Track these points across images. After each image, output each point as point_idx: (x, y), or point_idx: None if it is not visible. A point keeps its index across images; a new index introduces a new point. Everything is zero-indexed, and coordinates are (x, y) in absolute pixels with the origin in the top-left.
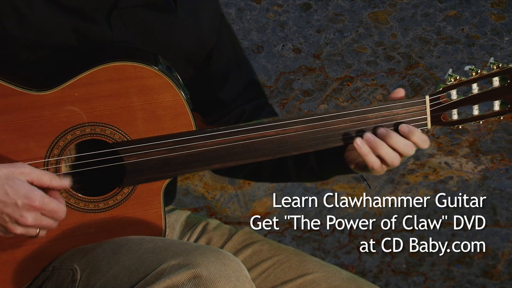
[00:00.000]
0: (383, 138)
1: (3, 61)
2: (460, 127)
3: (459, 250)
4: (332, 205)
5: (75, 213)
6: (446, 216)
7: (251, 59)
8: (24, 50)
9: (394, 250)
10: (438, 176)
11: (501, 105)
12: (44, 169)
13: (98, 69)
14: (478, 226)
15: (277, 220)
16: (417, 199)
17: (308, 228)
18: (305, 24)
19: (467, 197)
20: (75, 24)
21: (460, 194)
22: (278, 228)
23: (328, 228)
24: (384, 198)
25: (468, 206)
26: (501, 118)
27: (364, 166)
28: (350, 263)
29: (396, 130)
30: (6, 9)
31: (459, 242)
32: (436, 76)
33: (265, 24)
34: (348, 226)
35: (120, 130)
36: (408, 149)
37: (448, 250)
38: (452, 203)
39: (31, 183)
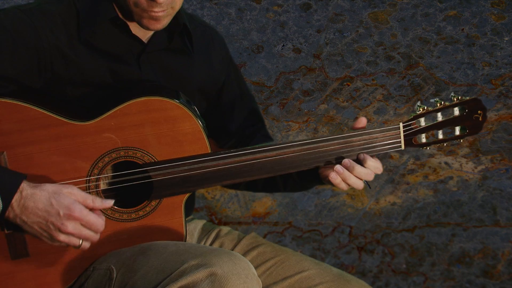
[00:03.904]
0: (348, 169)
1: (53, 97)
2: (428, 148)
3: (459, 250)
4: (332, 205)
5: (112, 222)
6: (446, 216)
7: (251, 59)
8: (70, 88)
9: (394, 250)
10: (438, 176)
11: (460, 130)
12: (88, 192)
13: (130, 103)
14: (478, 226)
15: (277, 220)
16: (417, 199)
17: (308, 228)
18: (305, 24)
19: (467, 197)
20: (111, 65)
21: (460, 194)
22: (278, 228)
23: (328, 228)
24: (384, 198)
25: (468, 206)
26: (461, 141)
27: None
28: (350, 263)
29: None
30: (55, 55)
31: (459, 242)
32: (436, 76)
33: (265, 24)
34: (348, 226)
35: (148, 153)
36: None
37: (448, 250)
38: (452, 203)
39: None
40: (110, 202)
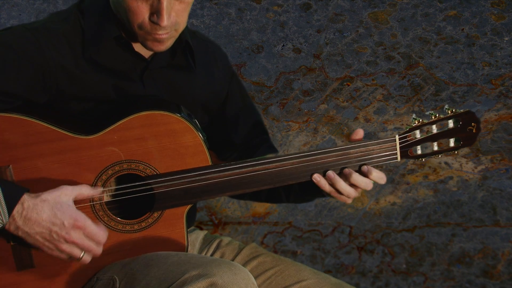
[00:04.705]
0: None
1: (57, 112)
2: (423, 160)
3: (459, 250)
4: (332, 205)
5: (115, 234)
6: (446, 216)
7: (251, 59)
8: (74, 103)
9: (394, 250)
10: (438, 176)
11: (455, 142)
12: (91, 204)
13: (133, 117)
14: (478, 226)
15: (277, 220)
16: (417, 199)
17: (308, 228)
18: (305, 24)
19: (467, 197)
20: (114, 82)
21: (460, 194)
22: (278, 228)
23: (328, 228)
24: (384, 198)
25: (468, 206)
26: (456, 152)
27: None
28: (350, 263)
29: (359, 169)
30: (60, 71)
31: (459, 242)
32: (436, 76)
33: (265, 24)
34: (348, 226)
35: (150, 165)
36: (367, 185)
37: (448, 250)
38: (452, 203)
39: (75, 199)
40: (99, 190)
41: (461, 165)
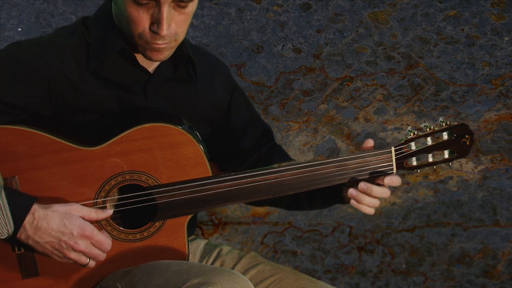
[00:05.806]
0: (365, 192)
1: (62, 124)
2: (418, 171)
3: (459, 250)
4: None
5: (117, 243)
6: (446, 216)
7: (251, 59)
8: (79, 115)
9: (394, 250)
10: (438, 176)
11: (449, 153)
12: (92, 207)
13: (135, 129)
14: (478, 226)
15: (277, 220)
16: (417, 199)
17: (308, 228)
18: (305, 24)
19: (467, 197)
20: (118, 94)
21: (460, 194)
22: (278, 228)
23: (328, 228)
24: (384, 198)
25: (468, 206)
26: (450, 164)
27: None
28: (350, 263)
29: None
30: (65, 84)
31: (459, 242)
32: (436, 76)
33: (265, 24)
34: (348, 226)
35: (152, 176)
36: (385, 194)
37: (448, 250)
38: (452, 203)
39: (83, 218)
40: (109, 212)
41: (461, 165)
